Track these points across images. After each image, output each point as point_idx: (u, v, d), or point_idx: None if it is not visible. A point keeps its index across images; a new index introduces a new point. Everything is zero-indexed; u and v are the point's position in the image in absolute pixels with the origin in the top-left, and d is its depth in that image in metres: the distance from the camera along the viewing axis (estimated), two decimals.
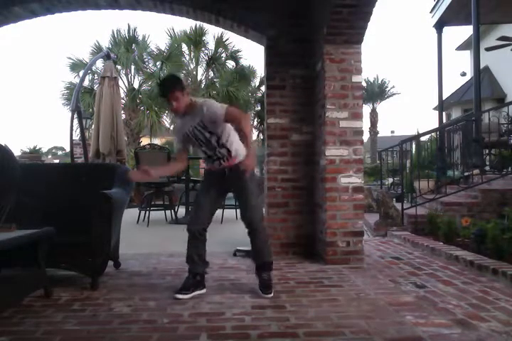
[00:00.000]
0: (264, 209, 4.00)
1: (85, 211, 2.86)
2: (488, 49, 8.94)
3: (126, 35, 14.96)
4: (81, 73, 13.67)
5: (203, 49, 16.33)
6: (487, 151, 6.66)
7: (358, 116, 3.64)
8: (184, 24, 60.95)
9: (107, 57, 7.25)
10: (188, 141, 2.87)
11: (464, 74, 14.43)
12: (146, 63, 15.70)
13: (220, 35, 15.88)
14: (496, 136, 6.57)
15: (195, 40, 15.77)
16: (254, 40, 4.26)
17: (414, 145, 7.18)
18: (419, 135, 6.82)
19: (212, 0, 3.98)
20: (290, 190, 3.93)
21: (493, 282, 2.97)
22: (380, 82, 32.55)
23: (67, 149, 16.91)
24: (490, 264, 3.18)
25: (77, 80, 13.73)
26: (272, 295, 2.69)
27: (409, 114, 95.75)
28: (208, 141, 2.78)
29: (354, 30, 3.54)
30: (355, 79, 3.65)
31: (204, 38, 15.97)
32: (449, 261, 3.63)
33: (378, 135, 32.28)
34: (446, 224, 4.53)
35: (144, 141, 15.46)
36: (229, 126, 2.82)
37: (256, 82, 16.93)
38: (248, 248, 3.87)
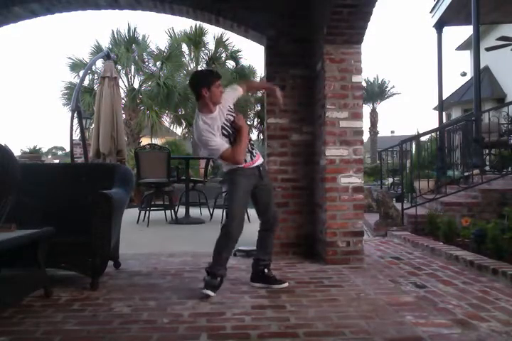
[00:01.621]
0: None
1: (85, 211, 2.86)
2: (488, 49, 8.94)
3: (126, 35, 14.95)
4: (81, 73, 13.66)
5: (203, 49, 16.34)
6: (487, 151, 6.66)
7: (358, 116, 3.64)
8: (184, 24, 60.94)
9: (107, 57, 7.24)
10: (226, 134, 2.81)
11: (464, 74, 14.42)
12: (146, 63, 15.70)
13: (220, 35, 15.90)
14: (496, 136, 6.57)
15: (195, 40, 15.78)
16: (254, 40, 4.26)
17: (414, 145, 7.18)
18: (419, 135, 6.82)
19: (212, 0, 3.98)
20: (290, 190, 3.93)
21: (493, 282, 2.97)
22: (380, 82, 32.55)
23: (67, 149, 16.92)
24: (490, 264, 3.18)
25: (77, 80, 13.72)
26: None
27: (409, 114, 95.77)
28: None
29: (354, 30, 3.54)
30: (355, 79, 3.65)
31: (204, 38, 15.98)
32: (449, 261, 3.63)
33: (378, 135, 32.28)
34: (446, 224, 4.53)
35: (144, 141, 15.45)
36: None
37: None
38: (248, 248, 3.89)
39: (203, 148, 3.06)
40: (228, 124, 2.78)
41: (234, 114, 2.83)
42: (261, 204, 2.98)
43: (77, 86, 7.88)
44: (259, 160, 2.92)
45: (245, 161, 2.82)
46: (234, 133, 2.78)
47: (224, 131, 2.76)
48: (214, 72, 2.99)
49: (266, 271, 2.95)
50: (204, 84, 2.71)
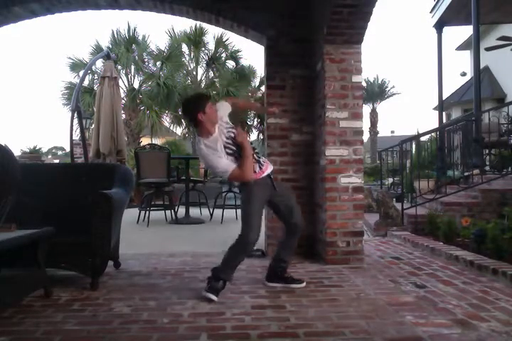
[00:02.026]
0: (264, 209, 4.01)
1: (85, 211, 2.86)
2: (487, 49, 8.94)
3: (126, 35, 14.96)
4: (81, 73, 13.67)
5: (203, 49, 16.33)
6: (487, 151, 6.66)
7: (358, 116, 3.64)
8: (184, 24, 60.94)
9: (107, 57, 7.25)
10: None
11: (464, 74, 14.43)
12: (146, 63, 15.70)
13: (220, 35, 15.90)
14: (496, 136, 6.57)
15: (195, 40, 15.77)
16: (254, 40, 4.26)
17: (414, 145, 7.18)
18: (419, 135, 6.82)
19: (212, 0, 3.98)
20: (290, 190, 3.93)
21: (493, 282, 2.97)
22: (380, 82, 32.57)
23: (67, 149, 16.93)
24: (490, 264, 3.18)
25: (77, 80, 13.72)
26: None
27: (409, 114, 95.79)
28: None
29: (354, 30, 3.54)
30: (355, 79, 3.65)
31: (204, 37, 15.98)
32: (449, 261, 3.63)
33: (378, 135, 32.29)
34: (446, 224, 4.53)
35: (144, 141, 15.44)
36: None
37: (256, 82, 16.93)
38: None
39: (211, 170, 3.01)
40: (230, 141, 2.73)
41: (234, 130, 2.78)
42: (283, 211, 2.93)
43: (77, 86, 7.88)
44: (268, 169, 2.86)
45: (254, 172, 2.77)
46: (238, 149, 2.72)
47: (228, 150, 2.71)
48: (202, 94, 2.94)
49: (285, 271, 2.98)
50: (199, 109, 2.68)
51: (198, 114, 2.68)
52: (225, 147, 2.72)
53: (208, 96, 2.88)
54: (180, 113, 16.19)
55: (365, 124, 23.45)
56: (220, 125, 2.77)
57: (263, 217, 3.73)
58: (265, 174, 2.82)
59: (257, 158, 2.81)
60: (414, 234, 4.85)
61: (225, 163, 2.68)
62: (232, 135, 2.75)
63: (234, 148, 2.73)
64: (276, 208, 2.97)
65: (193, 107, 2.72)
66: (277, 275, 2.97)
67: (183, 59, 16.29)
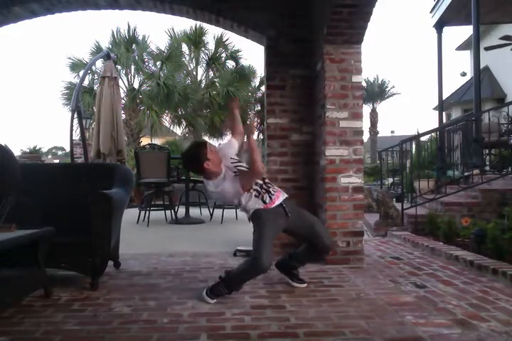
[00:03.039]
0: None
1: (85, 211, 2.85)
2: (487, 48, 8.94)
3: (126, 35, 14.95)
4: (81, 73, 13.67)
5: (203, 49, 16.32)
6: (487, 151, 6.66)
7: (358, 116, 3.64)
8: (184, 24, 60.95)
9: (107, 57, 7.24)
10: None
11: (464, 74, 14.43)
12: (146, 63, 15.68)
13: (220, 35, 15.89)
14: (496, 136, 6.57)
15: (195, 40, 15.77)
16: (254, 40, 4.26)
17: (414, 145, 7.18)
18: (419, 135, 6.82)
19: (212, 0, 3.98)
20: (290, 190, 3.92)
21: (493, 282, 2.97)
22: (380, 82, 32.58)
23: (67, 149, 16.93)
24: (490, 264, 3.18)
25: (77, 80, 13.72)
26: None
27: (409, 114, 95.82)
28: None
29: (354, 30, 3.54)
30: (355, 79, 3.65)
31: (204, 38, 15.97)
32: (449, 261, 3.63)
33: (378, 135, 32.30)
34: (446, 224, 4.53)
35: (144, 141, 15.44)
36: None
37: (256, 82, 16.91)
38: (248, 248, 3.88)
39: (228, 201, 2.93)
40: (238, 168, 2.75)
41: (241, 163, 2.79)
42: (306, 235, 2.85)
43: (77, 86, 7.87)
44: (279, 198, 2.78)
45: (264, 203, 2.72)
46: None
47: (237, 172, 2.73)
48: (199, 144, 2.83)
49: (295, 268, 3.00)
50: (202, 160, 2.64)
51: (203, 163, 2.64)
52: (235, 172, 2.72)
53: (205, 142, 2.81)
54: (180, 113, 16.23)
55: (365, 124, 23.50)
56: (225, 164, 2.75)
57: None
58: (276, 204, 2.75)
59: (266, 188, 2.76)
60: (414, 234, 4.85)
61: (231, 185, 2.64)
62: (242, 168, 2.75)
63: (245, 169, 2.74)
64: (297, 235, 2.94)
65: (197, 161, 2.68)
66: (287, 267, 2.98)
67: (183, 59, 16.29)
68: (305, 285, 2.91)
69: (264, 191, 2.74)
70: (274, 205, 2.75)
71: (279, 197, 2.79)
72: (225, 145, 2.96)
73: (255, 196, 2.73)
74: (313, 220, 2.90)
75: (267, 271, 2.59)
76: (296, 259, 2.98)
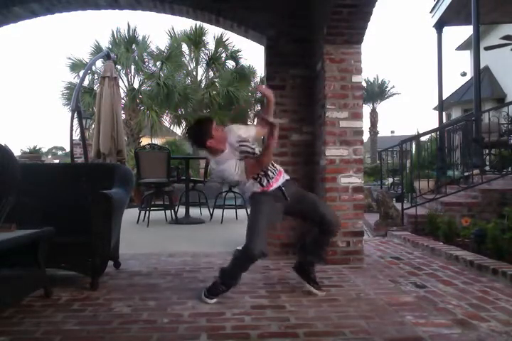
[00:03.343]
0: None
1: (85, 211, 2.86)
2: (487, 48, 8.94)
3: (126, 35, 14.96)
4: (81, 73, 13.67)
5: (203, 49, 16.34)
6: (487, 151, 6.66)
7: (358, 116, 3.64)
8: (184, 24, 60.98)
9: (107, 57, 7.24)
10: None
11: (464, 74, 14.43)
12: (146, 63, 15.69)
13: (220, 35, 15.91)
14: (496, 136, 6.57)
15: (195, 40, 15.78)
16: (254, 40, 4.26)
17: (414, 145, 7.18)
18: (419, 135, 6.82)
19: (212, 0, 3.98)
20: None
21: (493, 282, 2.97)
22: (380, 82, 32.56)
23: (67, 149, 16.93)
24: (490, 264, 3.18)
25: (77, 80, 13.72)
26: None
27: (409, 114, 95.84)
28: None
29: (354, 30, 3.54)
30: (355, 79, 3.65)
31: (204, 38, 15.99)
32: (449, 261, 3.63)
33: (378, 135, 32.28)
34: (446, 224, 4.53)
35: (144, 141, 15.45)
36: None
37: (256, 82, 16.92)
38: None
39: (230, 180, 2.80)
40: (243, 156, 2.65)
41: (246, 143, 2.70)
42: (309, 216, 2.79)
43: (77, 86, 7.88)
44: (279, 181, 2.72)
45: (262, 186, 2.67)
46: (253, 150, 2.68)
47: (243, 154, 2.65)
48: (204, 119, 2.79)
49: (311, 271, 2.86)
50: (206, 137, 2.59)
51: (207, 141, 2.60)
52: (241, 152, 2.65)
53: (210, 119, 2.76)
54: (180, 113, 16.23)
55: (365, 124, 23.46)
56: (230, 141, 2.68)
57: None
58: (273, 188, 2.70)
59: (264, 170, 2.68)
60: (414, 234, 4.85)
61: (232, 166, 2.56)
62: (248, 149, 2.69)
63: (250, 149, 2.68)
64: (300, 216, 2.89)
65: (200, 137, 2.63)
66: (303, 269, 2.87)
67: (183, 59, 16.30)
68: (323, 293, 2.73)
69: (262, 173, 2.68)
70: (271, 188, 2.69)
71: (279, 180, 2.73)
72: (238, 126, 2.83)
73: (253, 178, 2.68)
74: (315, 200, 2.81)
75: (259, 258, 2.53)
76: (308, 251, 2.83)
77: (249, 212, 2.75)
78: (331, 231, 2.77)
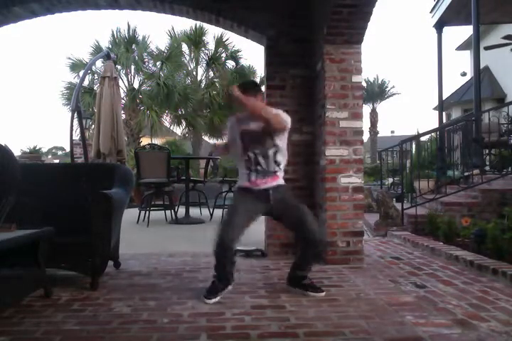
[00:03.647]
0: None
1: (85, 211, 2.86)
2: (486, 48, 8.94)
3: (126, 35, 14.96)
4: (81, 73, 13.67)
5: (203, 49, 16.34)
6: (487, 151, 6.66)
7: (358, 116, 3.64)
8: (184, 24, 60.96)
9: (107, 57, 7.24)
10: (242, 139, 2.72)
11: (464, 74, 14.43)
12: (146, 63, 15.69)
13: (220, 35, 15.91)
14: (496, 136, 6.57)
15: (195, 40, 15.78)
16: (254, 40, 4.26)
17: (414, 145, 7.18)
18: (419, 135, 6.82)
19: (212, 0, 3.98)
20: (290, 190, 3.92)
21: (493, 282, 2.97)
22: (380, 82, 32.56)
23: (67, 149, 16.93)
24: (490, 264, 3.18)
25: (77, 80, 13.72)
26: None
27: (409, 114, 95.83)
28: (266, 148, 2.70)
29: (354, 30, 3.54)
30: (355, 79, 3.65)
31: (204, 38, 15.99)
32: (449, 261, 3.63)
33: (378, 135, 32.28)
34: (446, 224, 4.53)
35: (144, 141, 15.44)
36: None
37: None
38: (248, 248, 3.89)
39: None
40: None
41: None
42: (291, 225, 2.78)
43: (77, 86, 7.87)
44: (268, 184, 2.69)
45: (248, 180, 2.68)
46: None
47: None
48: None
49: (303, 278, 2.80)
50: (257, 92, 2.70)
51: (259, 93, 2.71)
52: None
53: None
54: (180, 113, 16.22)
55: (365, 124, 23.49)
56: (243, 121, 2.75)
57: (263, 217, 3.73)
58: (261, 187, 2.68)
59: (256, 163, 2.68)
60: (414, 234, 4.85)
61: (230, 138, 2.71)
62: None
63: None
64: (284, 224, 2.88)
65: (255, 89, 2.73)
66: (295, 281, 2.80)
67: (183, 59, 16.30)
68: (323, 293, 2.70)
69: (254, 166, 2.68)
70: (257, 188, 2.68)
71: (268, 182, 2.69)
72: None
73: (246, 167, 2.69)
74: (301, 214, 2.67)
75: (228, 246, 2.57)
76: (298, 267, 2.80)
77: (229, 206, 2.80)
78: (314, 247, 2.72)
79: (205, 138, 18.01)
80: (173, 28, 16.15)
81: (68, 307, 2.50)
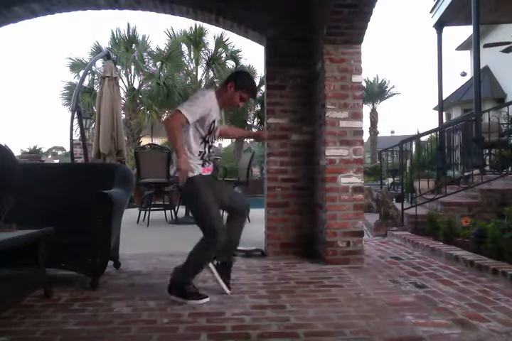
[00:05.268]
0: (264, 209, 4.01)
1: (85, 211, 2.86)
2: (486, 45, 8.92)
3: (126, 35, 14.96)
4: (81, 73, 13.66)
5: (203, 49, 16.32)
6: (487, 151, 6.66)
7: (358, 116, 3.64)
8: (184, 24, 60.98)
9: (107, 57, 7.25)
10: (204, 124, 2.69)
11: (464, 74, 14.43)
12: (146, 63, 15.69)
13: (220, 35, 15.88)
14: (496, 136, 6.57)
15: (195, 40, 15.77)
16: (254, 40, 4.26)
17: (414, 145, 7.19)
18: (419, 135, 6.83)
19: (212, 0, 3.98)
20: (290, 190, 3.93)
21: (493, 282, 2.97)
22: (380, 82, 32.50)
23: (67, 149, 16.91)
24: (490, 264, 3.18)
25: (77, 80, 13.71)
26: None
27: (409, 114, 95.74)
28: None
29: (354, 30, 3.54)
30: (355, 79, 3.65)
31: (204, 37, 15.96)
32: (449, 261, 3.63)
33: (378, 135, 32.24)
34: (446, 224, 4.53)
35: (144, 141, 15.44)
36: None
37: (256, 82, 16.92)
38: (248, 248, 3.89)
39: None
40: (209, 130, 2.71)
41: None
42: (226, 204, 2.83)
43: (77, 86, 7.88)
44: (210, 172, 2.85)
45: (203, 166, 2.72)
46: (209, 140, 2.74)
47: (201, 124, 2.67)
48: (255, 89, 2.93)
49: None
50: (240, 84, 2.71)
51: (230, 83, 2.70)
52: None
53: (254, 94, 2.91)
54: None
55: (365, 124, 23.51)
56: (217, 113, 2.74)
57: (263, 218, 3.74)
58: (207, 173, 2.78)
59: (207, 155, 2.75)
60: (414, 234, 4.85)
61: (193, 111, 2.54)
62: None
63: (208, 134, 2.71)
64: (222, 205, 2.86)
65: (239, 79, 2.74)
66: (223, 270, 2.82)
67: (183, 59, 16.28)
68: (229, 291, 2.73)
69: (202, 160, 2.72)
70: (208, 173, 2.81)
71: (210, 170, 2.85)
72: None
73: (200, 156, 2.70)
74: (230, 191, 3.05)
75: (221, 233, 2.59)
76: (222, 251, 2.78)
77: (189, 200, 2.78)
78: (240, 213, 2.84)
79: None
80: (172, 28, 16.24)
81: (68, 307, 2.50)
